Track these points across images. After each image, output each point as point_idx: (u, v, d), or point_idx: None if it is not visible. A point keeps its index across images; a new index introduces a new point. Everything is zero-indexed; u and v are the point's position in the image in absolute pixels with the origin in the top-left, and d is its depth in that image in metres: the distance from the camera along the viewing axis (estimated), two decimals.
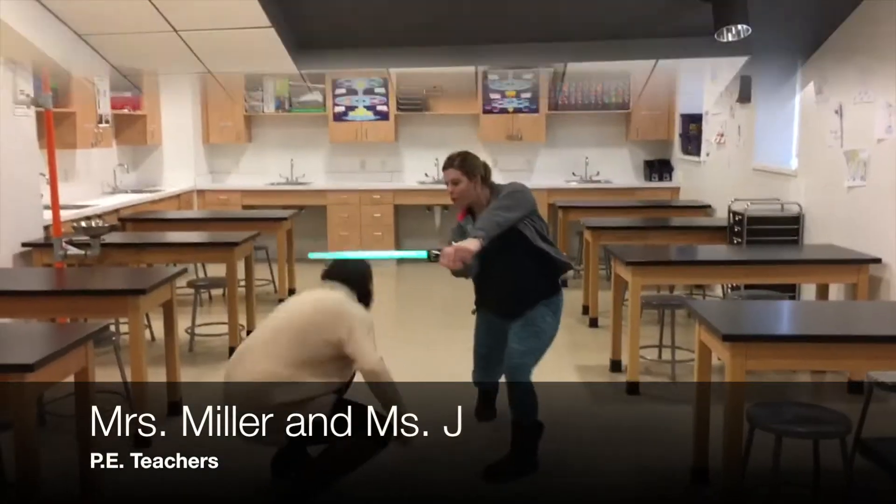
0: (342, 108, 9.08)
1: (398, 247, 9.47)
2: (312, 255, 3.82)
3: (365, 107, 9.05)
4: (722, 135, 7.54)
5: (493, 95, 9.01)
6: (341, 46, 5.50)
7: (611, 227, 6.40)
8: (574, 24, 5.25)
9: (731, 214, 6.08)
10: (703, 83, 8.18)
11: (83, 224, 5.14)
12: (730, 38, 4.85)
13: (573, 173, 9.41)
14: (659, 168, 9.27)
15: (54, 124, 6.83)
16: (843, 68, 5.17)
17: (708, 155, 7.98)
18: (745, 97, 6.89)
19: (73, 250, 4.92)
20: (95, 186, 7.85)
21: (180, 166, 8.84)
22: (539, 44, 5.54)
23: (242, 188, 9.00)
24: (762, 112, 6.66)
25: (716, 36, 4.84)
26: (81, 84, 6.97)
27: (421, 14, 5.05)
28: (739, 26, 4.76)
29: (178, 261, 5.48)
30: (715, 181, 7.70)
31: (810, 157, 5.74)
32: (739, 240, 5.87)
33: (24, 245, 5.34)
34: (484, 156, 9.10)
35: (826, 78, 5.40)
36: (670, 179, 9.19)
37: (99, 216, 5.58)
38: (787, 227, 5.80)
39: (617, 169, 9.46)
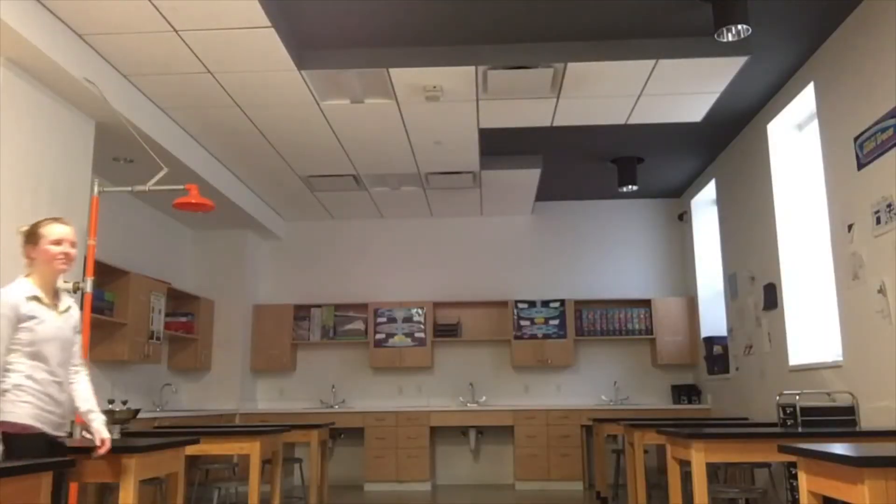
0: (382, 336, 8.44)
1: (433, 471, 8.28)
2: None
3: (403, 333, 8.42)
4: (750, 346, 6.67)
5: (523, 322, 8.38)
6: (341, 46, 4.99)
7: (652, 424, 5.36)
8: (574, 24, 4.73)
9: (780, 409, 5.06)
10: (722, 304, 7.50)
11: (107, 407, 4.26)
12: (730, 38, 4.31)
13: (602, 397, 8.43)
14: (687, 392, 8.27)
15: (107, 334, 6.28)
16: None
17: (737, 369, 7.04)
18: (770, 304, 6.14)
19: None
20: (139, 402, 7.02)
21: (226, 391, 8.02)
22: (539, 43, 4.99)
23: (282, 411, 8.08)
24: (791, 314, 5.85)
25: (716, 36, 4.30)
26: (138, 299, 6.45)
27: (421, 14, 4.56)
28: (739, 26, 4.22)
29: (203, 452, 4.52)
30: (749, 393, 6.69)
31: (857, 343, 4.82)
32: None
33: None
34: (516, 379, 8.49)
35: (862, 260, 4.66)
36: (699, 402, 8.15)
37: (124, 403, 4.71)
38: (842, 418, 4.73)
39: (645, 392, 8.47)
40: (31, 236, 2.89)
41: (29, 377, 2.76)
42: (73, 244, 2.93)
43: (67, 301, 2.98)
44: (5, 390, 2.71)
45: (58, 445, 2.86)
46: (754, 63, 5.31)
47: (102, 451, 2.97)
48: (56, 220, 2.94)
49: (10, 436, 2.66)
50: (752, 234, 6.57)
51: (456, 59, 4.98)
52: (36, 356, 2.79)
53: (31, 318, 2.78)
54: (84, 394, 3.02)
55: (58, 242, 2.88)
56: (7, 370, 2.73)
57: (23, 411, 2.72)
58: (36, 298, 2.82)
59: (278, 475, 5.10)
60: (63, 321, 2.90)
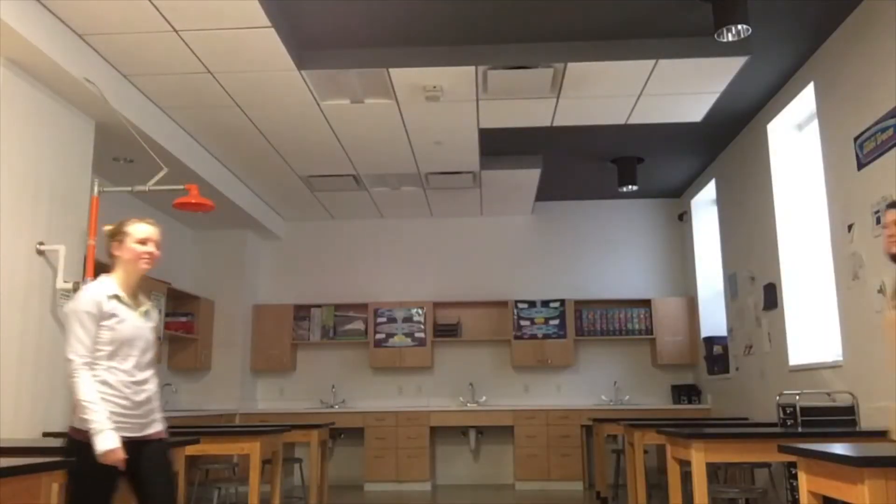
0: (382, 336, 8.44)
1: (433, 471, 8.28)
2: None
3: (403, 333, 8.42)
4: (750, 346, 6.67)
5: (523, 322, 8.38)
6: (341, 46, 4.99)
7: (652, 424, 5.36)
8: (574, 24, 4.73)
9: (780, 409, 5.06)
10: (722, 304, 7.50)
11: None
12: (730, 38, 4.29)
13: (602, 397, 8.43)
14: (687, 392, 8.27)
15: None
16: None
17: (737, 369, 7.04)
18: (770, 304, 6.14)
19: None
20: None
21: (226, 392, 8.02)
22: (539, 43, 4.99)
23: (282, 411, 8.08)
24: (791, 314, 5.85)
25: (716, 36, 4.29)
26: None
27: (421, 14, 4.56)
28: (739, 26, 4.21)
29: (203, 452, 4.52)
30: (749, 393, 6.69)
31: (857, 343, 4.82)
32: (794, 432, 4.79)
33: (44, 435, 4.46)
34: (516, 380, 8.50)
35: (862, 260, 4.66)
36: (699, 402, 8.15)
37: None
38: (842, 418, 4.74)
39: (645, 393, 8.47)
40: (117, 234, 2.87)
41: (104, 382, 2.70)
42: (158, 245, 2.91)
43: (147, 303, 2.94)
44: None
45: (146, 444, 2.79)
46: (754, 63, 5.31)
47: None
48: (142, 219, 2.92)
49: (84, 444, 2.62)
50: (752, 234, 6.57)
51: (456, 59, 4.98)
52: (115, 356, 2.73)
53: (113, 316, 2.73)
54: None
55: (143, 242, 2.86)
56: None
57: None
58: (117, 297, 2.78)
59: (278, 475, 5.10)
60: (143, 322, 2.85)
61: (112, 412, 2.68)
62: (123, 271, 2.86)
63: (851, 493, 2.35)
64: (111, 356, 2.73)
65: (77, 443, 2.65)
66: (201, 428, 5.08)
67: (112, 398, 2.70)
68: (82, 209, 4.91)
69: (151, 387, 2.87)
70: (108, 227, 2.92)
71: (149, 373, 2.87)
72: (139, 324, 2.82)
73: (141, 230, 2.87)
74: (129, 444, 2.70)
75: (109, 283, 2.82)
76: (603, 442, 6.84)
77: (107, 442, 2.59)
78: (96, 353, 2.71)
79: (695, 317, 8.25)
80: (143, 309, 2.88)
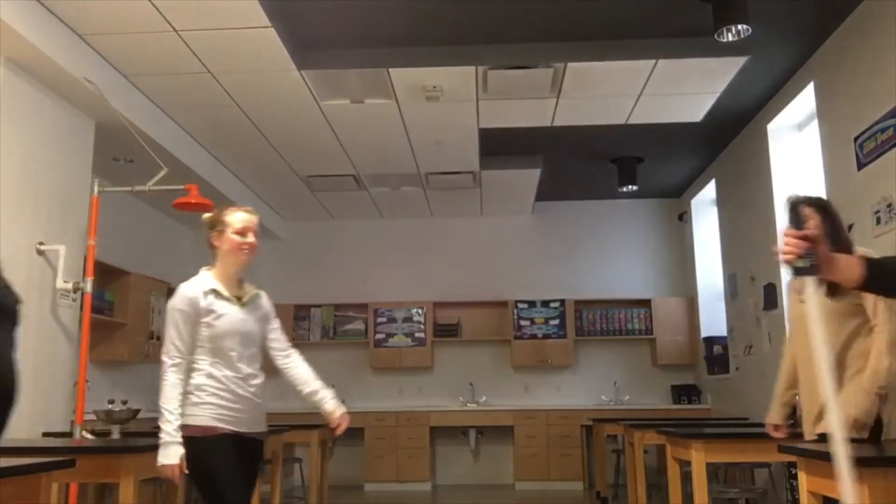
0: (382, 336, 8.44)
1: (433, 471, 8.28)
2: None
3: (403, 333, 8.42)
4: (750, 346, 6.67)
5: (522, 322, 8.38)
6: (341, 46, 4.99)
7: (652, 424, 5.35)
8: (574, 24, 4.74)
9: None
10: (722, 303, 7.50)
11: (107, 407, 4.27)
12: (730, 38, 4.29)
13: (602, 397, 8.43)
14: (687, 392, 8.27)
15: (107, 334, 6.28)
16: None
17: (737, 369, 7.04)
18: (770, 304, 6.14)
19: (92, 438, 4.03)
20: (139, 402, 7.01)
21: None
22: (539, 43, 4.99)
23: (282, 411, 8.08)
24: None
25: (716, 36, 4.28)
26: (138, 299, 6.45)
27: (421, 14, 4.56)
28: (739, 26, 4.20)
29: None
30: (749, 393, 6.69)
31: None
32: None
33: (44, 435, 4.46)
34: (516, 380, 8.49)
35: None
36: (699, 402, 8.15)
37: (124, 402, 4.71)
38: None
39: (645, 393, 8.47)
40: (217, 224, 2.80)
41: (209, 376, 2.64)
42: (257, 234, 2.83)
43: (253, 290, 2.84)
44: (188, 392, 2.62)
45: (251, 442, 2.75)
46: (754, 63, 5.31)
47: (340, 430, 2.89)
48: (240, 208, 2.84)
49: (194, 439, 2.58)
50: (752, 234, 6.57)
51: (456, 59, 4.98)
52: (216, 352, 2.66)
53: (210, 312, 2.65)
54: (304, 376, 2.93)
55: (243, 232, 2.78)
56: (190, 369, 2.65)
57: (204, 412, 2.61)
58: (214, 292, 2.70)
59: (278, 475, 5.10)
60: (246, 313, 2.75)
61: (214, 403, 2.63)
62: (223, 263, 2.78)
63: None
64: (214, 352, 2.66)
65: (187, 439, 2.60)
66: None
67: (216, 391, 2.64)
68: (82, 209, 4.91)
69: (260, 381, 2.81)
70: (206, 216, 2.83)
71: (282, 356, 2.87)
72: (239, 317, 2.72)
73: (240, 219, 2.79)
74: (230, 436, 2.65)
75: (206, 278, 2.74)
76: (603, 442, 6.84)
77: (168, 456, 2.55)
78: (198, 350, 2.66)
79: (695, 317, 8.25)
80: (245, 300, 2.78)
